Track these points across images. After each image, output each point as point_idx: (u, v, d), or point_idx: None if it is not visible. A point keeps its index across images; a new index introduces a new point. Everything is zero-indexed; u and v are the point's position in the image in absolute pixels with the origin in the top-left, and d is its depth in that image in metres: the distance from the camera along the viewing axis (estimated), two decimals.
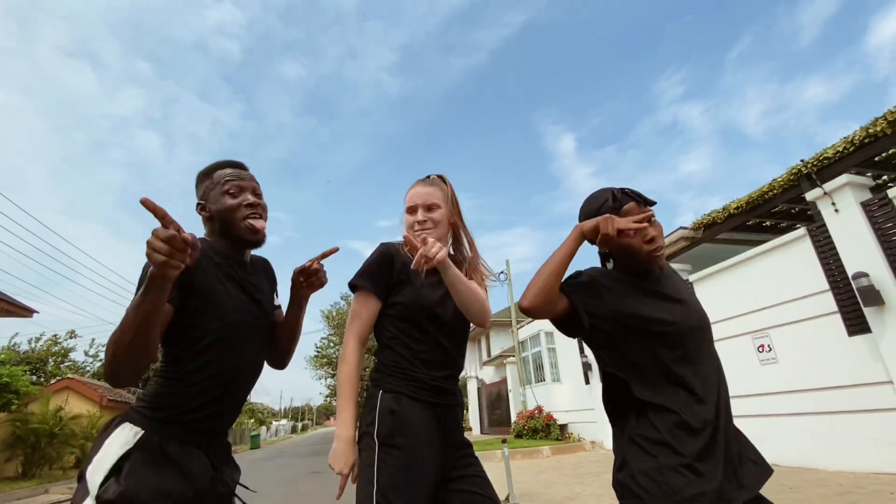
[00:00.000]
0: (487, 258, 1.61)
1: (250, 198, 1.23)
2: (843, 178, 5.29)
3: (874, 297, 4.76)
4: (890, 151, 5.59)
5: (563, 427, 10.57)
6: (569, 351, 10.75)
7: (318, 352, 40.03)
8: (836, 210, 5.30)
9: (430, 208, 1.46)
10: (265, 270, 1.44)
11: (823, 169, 5.65)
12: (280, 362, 1.43)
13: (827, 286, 5.48)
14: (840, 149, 5.46)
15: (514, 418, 12.79)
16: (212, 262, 1.16)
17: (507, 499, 5.16)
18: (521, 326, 13.59)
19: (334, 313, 38.98)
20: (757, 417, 5.93)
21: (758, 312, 6.27)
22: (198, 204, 1.26)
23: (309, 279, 1.33)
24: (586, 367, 9.83)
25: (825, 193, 5.38)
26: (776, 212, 6.97)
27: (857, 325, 5.10)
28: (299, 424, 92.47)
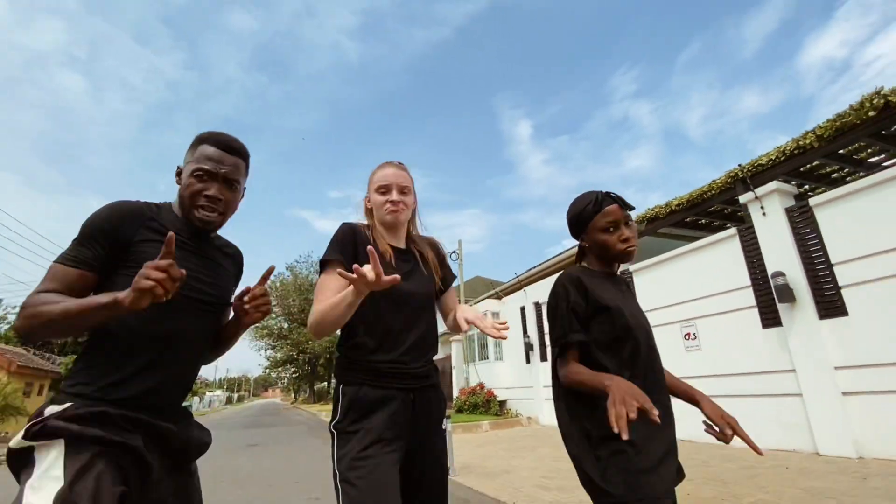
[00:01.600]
0: (439, 237, 1.63)
1: (213, 190, 1.14)
2: (773, 185, 5.76)
3: (788, 294, 5.29)
4: (815, 163, 6.13)
5: (502, 403, 11.03)
6: (512, 331, 11.11)
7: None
8: (764, 214, 5.78)
9: (403, 191, 1.44)
10: (234, 258, 1.37)
11: (757, 174, 6.12)
12: (208, 359, 1.34)
13: (749, 282, 6.01)
14: (773, 157, 5.92)
15: (455, 393, 13.15)
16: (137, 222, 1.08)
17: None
18: (470, 305, 13.86)
19: (277, 284, 37.73)
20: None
21: (687, 303, 6.78)
22: (177, 168, 1.20)
23: (254, 303, 1.23)
24: (528, 347, 10.23)
25: (756, 197, 5.84)
26: (712, 211, 7.49)
27: (770, 318, 5.65)
28: (235, 395, 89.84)
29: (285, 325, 37.92)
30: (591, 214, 1.31)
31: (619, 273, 1.41)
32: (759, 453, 1.25)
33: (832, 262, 5.06)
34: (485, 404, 10.94)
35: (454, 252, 14.33)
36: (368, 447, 1.18)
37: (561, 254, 11.51)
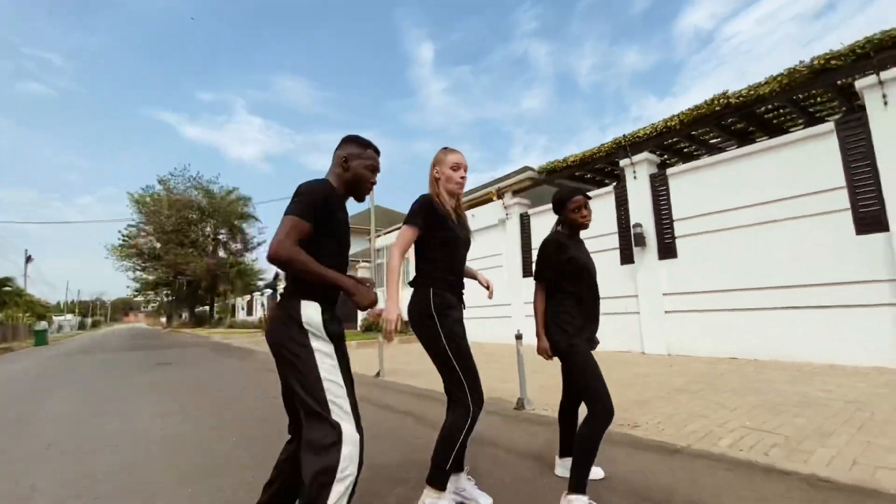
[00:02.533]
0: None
1: (375, 179, 1.78)
2: (644, 155, 7.34)
3: (641, 240, 7.06)
4: (673, 140, 7.84)
5: (407, 323, 12.35)
6: None
7: (124, 240, 34.48)
8: (635, 177, 7.39)
9: (466, 171, 2.17)
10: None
11: (634, 144, 7.65)
12: None
13: (616, 229, 7.74)
14: (648, 132, 7.45)
15: (362, 316, 14.14)
16: (337, 197, 1.69)
17: (377, 374, 6.37)
18: (380, 235, 14.53)
19: (148, 199, 33.52)
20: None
21: None
22: (343, 158, 1.71)
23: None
24: None
25: (632, 163, 7.40)
26: (598, 169, 9.07)
27: (627, 258, 7.48)
28: (89, 320, 79.96)
29: (157, 245, 34.40)
30: (557, 205, 2.25)
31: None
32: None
33: (674, 217, 6.88)
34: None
35: None
36: (458, 323, 2.02)
37: (470, 193, 12.61)
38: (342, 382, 1.51)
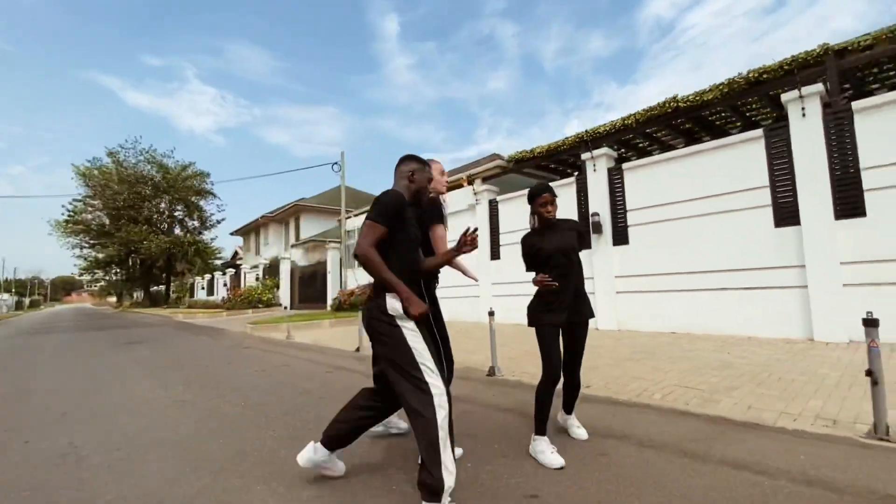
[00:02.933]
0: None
1: (430, 190, 2.33)
2: (603, 150, 8.03)
3: (598, 227, 7.80)
4: (630, 137, 8.57)
5: None
6: None
7: (70, 215, 32.52)
8: (595, 170, 8.08)
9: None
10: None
11: (595, 139, 8.32)
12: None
13: (576, 218, 8.45)
14: (608, 128, 8.12)
15: (333, 295, 14.44)
16: (405, 203, 2.13)
17: (357, 349, 6.84)
18: (350, 217, 14.74)
19: (95, 172, 31.65)
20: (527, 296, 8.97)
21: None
22: (409, 172, 2.18)
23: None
24: None
25: (592, 157, 8.07)
26: (562, 160, 9.73)
27: (586, 244, 8.22)
28: (27, 300, 75.00)
29: (107, 222, 32.70)
30: (536, 196, 2.76)
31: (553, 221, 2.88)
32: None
33: (627, 208, 7.64)
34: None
35: (336, 163, 14.66)
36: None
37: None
38: (426, 346, 1.94)
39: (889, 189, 5.19)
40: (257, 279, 21.79)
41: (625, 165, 7.75)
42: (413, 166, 2.22)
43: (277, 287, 19.76)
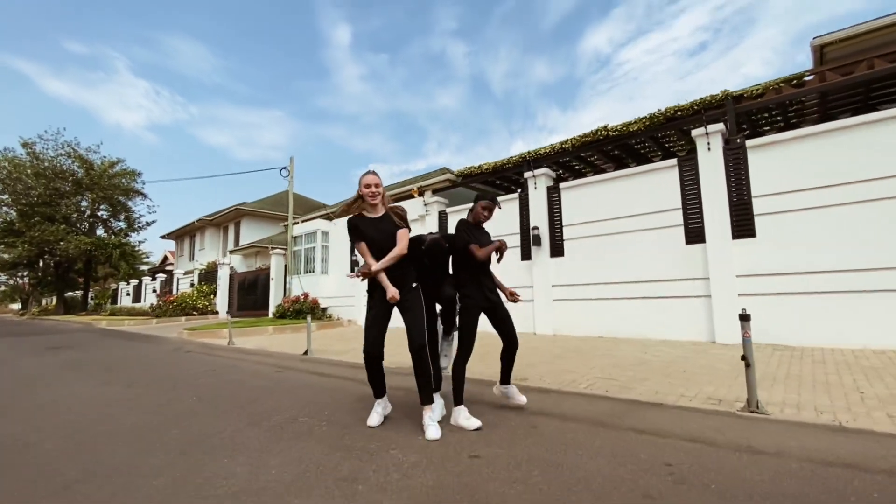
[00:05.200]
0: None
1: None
2: (543, 170, 8.75)
3: (538, 240, 8.46)
4: (567, 159, 9.40)
5: (324, 309, 12.75)
6: (340, 248, 12.68)
7: None
8: (536, 188, 8.77)
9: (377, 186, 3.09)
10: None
11: (536, 160, 9.04)
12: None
13: (518, 230, 9.08)
14: (548, 150, 8.88)
15: (275, 303, 14.15)
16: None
17: (305, 352, 6.92)
18: (296, 223, 14.59)
19: (6, 164, 28.64)
20: None
21: None
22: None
23: None
24: (354, 263, 12.04)
25: (534, 176, 8.77)
26: (507, 177, 10.40)
27: (526, 255, 8.86)
28: None
29: (17, 218, 29.52)
30: (476, 200, 3.22)
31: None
32: (516, 299, 3.41)
33: (563, 223, 8.36)
34: (309, 310, 12.46)
35: (284, 168, 14.49)
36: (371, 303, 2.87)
37: (394, 188, 13.32)
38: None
39: (773, 214, 6.20)
40: (192, 285, 20.71)
41: (562, 185, 8.50)
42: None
43: (214, 294, 18.92)
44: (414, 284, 3.01)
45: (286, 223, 14.94)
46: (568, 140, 8.59)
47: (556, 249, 8.39)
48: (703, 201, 6.75)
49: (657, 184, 7.30)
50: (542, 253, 8.52)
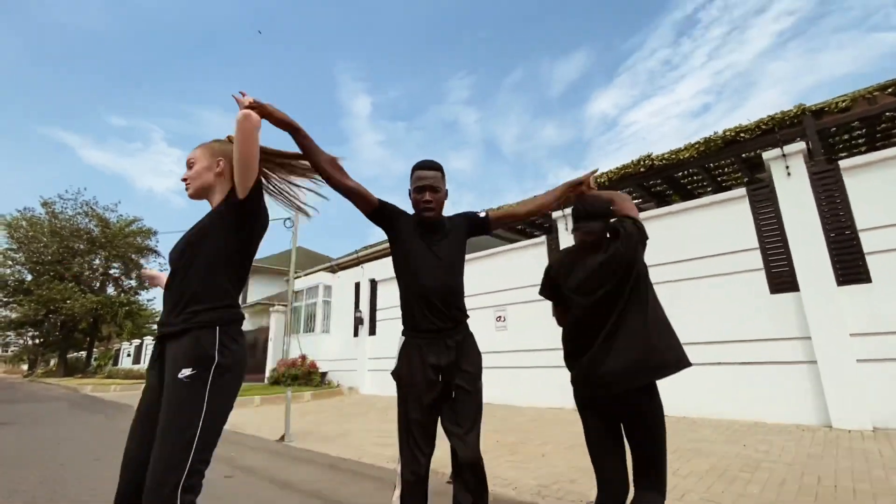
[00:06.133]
0: None
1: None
2: (569, 210, 7.47)
3: None
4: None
5: (323, 374, 11.18)
6: (344, 305, 11.34)
7: None
8: (567, 228, 7.45)
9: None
10: None
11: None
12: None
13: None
14: None
15: (271, 366, 12.65)
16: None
17: (282, 438, 5.38)
18: (299, 277, 13.40)
19: (24, 223, 28.76)
20: (489, 368, 7.85)
21: (500, 292, 8.22)
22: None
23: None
24: (358, 321, 10.63)
25: (564, 216, 7.48)
26: (532, 221, 9.15)
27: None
28: None
29: (28, 277, 29.23)
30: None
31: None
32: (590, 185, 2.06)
33: None
34: (305, 376, 10.92)
35: (289, 219, 13.57)
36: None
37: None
38: None
39: (892, 252, 4.71)
40: None
41: None
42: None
43: None
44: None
45: (287, 278, 13.75)
46: (603, 173, 7.38)
47: None
48: (789, 239, 5.30)
49: (724, 219, 5.91)
50: None
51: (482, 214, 2.15)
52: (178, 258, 1.56)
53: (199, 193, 1.66)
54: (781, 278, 5.33)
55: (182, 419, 1.36)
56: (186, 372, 1.39)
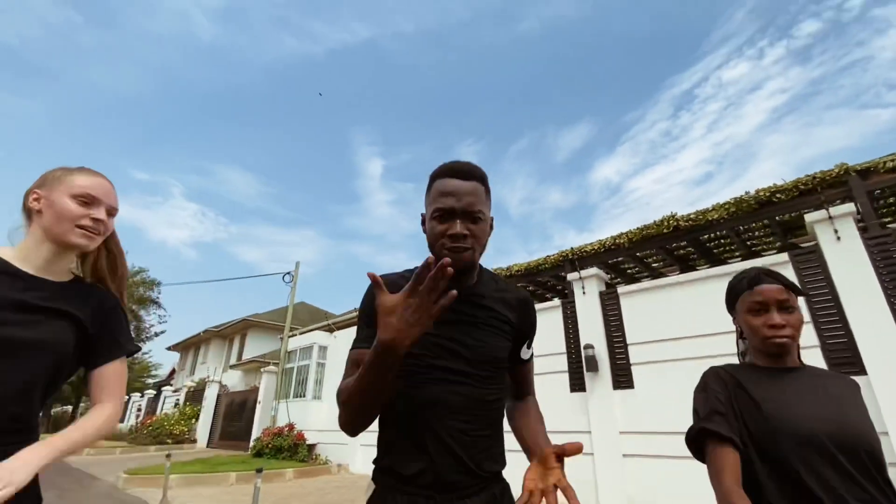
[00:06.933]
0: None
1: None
2: (594, 270, 6.85)
3: (593, 364, 6.18)
4: (619, 259, 7.55)
5: (311, 447, 10.06)
6: (339, 368, 10.46)
7: None
8: (584, 293, 6.78)
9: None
10: None
11: (581, 259, 7.21)
12: None
13: (564, 349, 6.87)
14: (595, 247, 7.08)
15: (256, 434, 11.56)
16: None
17: None
18: (294, 335, 12.62)
19: None
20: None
21: None
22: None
23: None
24: None
25: (580, 278, 6.84)
26: (540, 282, 8.51)
27: (577, 384, 6.51)
28: None
29: None
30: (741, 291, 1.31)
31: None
32: None
33: (627, 341, 6.16)
34: (291, 448, 9.82)
35: (288, 273, 13.07)
36: None
37: None
38: None
39: None
40: (176, 405, 18.21)
41: (620, 289, 6.50)
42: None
43: (197, 417, 16.32)
44: None
45: (282, 335, 12.98)
46: (622, 234, 6.83)
47: (622, 378, 6.05)
48: (847, 313, 4.59)
49: None
50: (600, 382, 6.18)
51: (526, 354, 1.26)
52: None
53: None
54: (841, 360, 4.54)
55: None
56: None
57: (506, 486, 1.14)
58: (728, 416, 1.17)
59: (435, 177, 1.14)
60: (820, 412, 1.12)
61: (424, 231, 1.16)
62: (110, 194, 1.27)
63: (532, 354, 1.28)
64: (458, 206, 1.06)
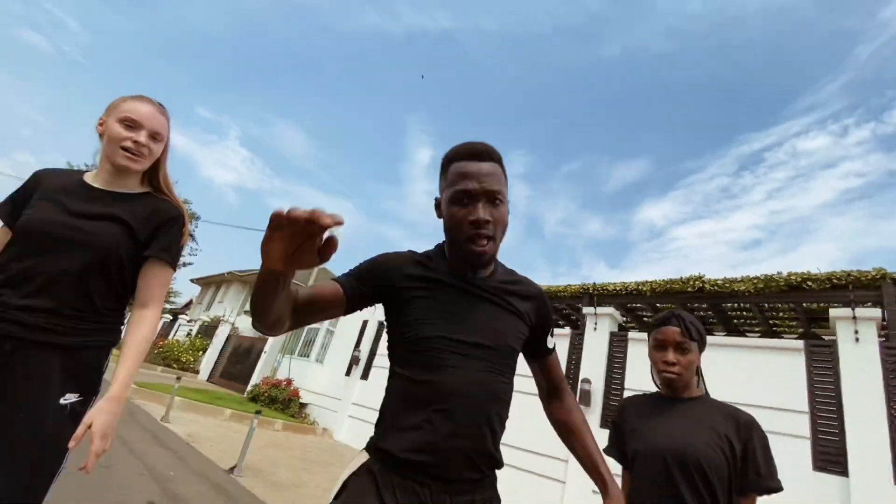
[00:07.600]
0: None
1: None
2: (610, 309, 6.99)
3: (587, 399, 6.35)
4: (637, 304, 7.65)
5: (303, 405, 10.56)
6: (346, 339, 10.92)
7: None
8: (595, 329, 6.94)
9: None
10: None
11: (601, 296, 7.36)
12: None
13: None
14: (618, 288, 7.22)
15: (255, 381, 12.17)
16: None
17: (232, 469, 4.86)
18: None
19: None
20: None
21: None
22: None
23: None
24: (354, 360, 10.13)
25: (595, 314, 7.00)
26: (556, 308, 8.68)
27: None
28: None
29: None
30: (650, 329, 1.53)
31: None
32: None
33: (625, 384, 6.30)
34: (285, 401, 10.34)
35: None
36: None
37: None
38: None
39: None
40: (188, 335, 19.21)
41: (632, 334, 6.63)
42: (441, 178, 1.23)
43: (205, 350, 17.20)
44: None
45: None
46: (647, 282, 6.94)
47: (612, 418, 6.21)
48: (846, 413, 4.63)
49: (772, 369, 5.29)
50: (590, 417, 6.34)
51: (551, 343, 1.30)
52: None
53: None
54: (829, 457, 4.59)
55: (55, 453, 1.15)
56: (72, 398, 1.19)
57: (498, 499, 1.10)
58: (615, 440, 1.57)
59: (450, 159, 1.10)
60: (672, 433, 1.35)
61: (439, 216, 1.12)
62: (154, 119, 1.36)
63: (555, 344, 1.32)
64: (478, 188, 1.03)
